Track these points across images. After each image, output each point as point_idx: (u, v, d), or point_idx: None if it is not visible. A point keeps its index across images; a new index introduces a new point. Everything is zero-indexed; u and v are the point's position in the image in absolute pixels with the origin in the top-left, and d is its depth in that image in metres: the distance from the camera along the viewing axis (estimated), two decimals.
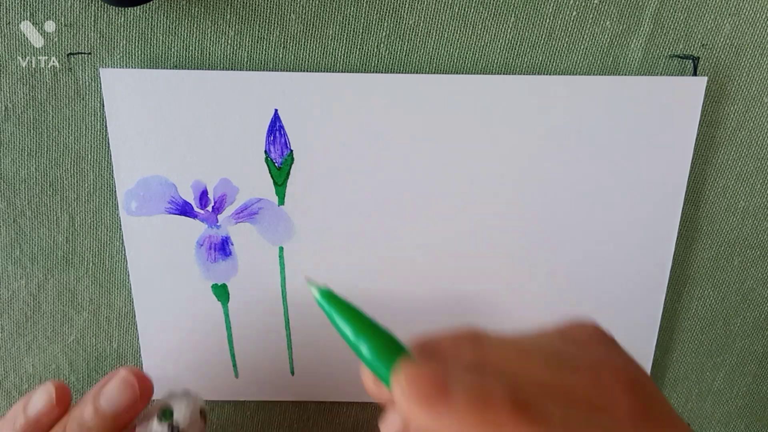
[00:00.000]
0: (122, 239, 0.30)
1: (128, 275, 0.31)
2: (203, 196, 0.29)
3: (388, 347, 0.20)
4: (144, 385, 0.27)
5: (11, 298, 0.31)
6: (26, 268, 0.31)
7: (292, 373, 0.32)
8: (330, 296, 0.22)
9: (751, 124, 0.29)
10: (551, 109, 0.28)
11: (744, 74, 0.28)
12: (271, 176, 0.29)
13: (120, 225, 0.30)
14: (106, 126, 0.28)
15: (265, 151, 0.28)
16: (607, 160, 0.29)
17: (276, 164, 0.28)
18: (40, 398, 0.26)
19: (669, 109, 0.28)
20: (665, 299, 0.32)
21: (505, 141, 0.28)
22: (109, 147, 0.28)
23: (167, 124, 0.28)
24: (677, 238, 0.30)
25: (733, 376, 0.34)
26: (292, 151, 0.28)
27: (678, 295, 0.32)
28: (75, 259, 0.30)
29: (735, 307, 0.33)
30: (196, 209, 0.29)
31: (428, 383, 0.19)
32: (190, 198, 0.29)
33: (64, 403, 0.26)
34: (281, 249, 0.30)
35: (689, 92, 0.28)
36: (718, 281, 0.32)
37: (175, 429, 0.27)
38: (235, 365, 0.32)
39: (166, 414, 0.28)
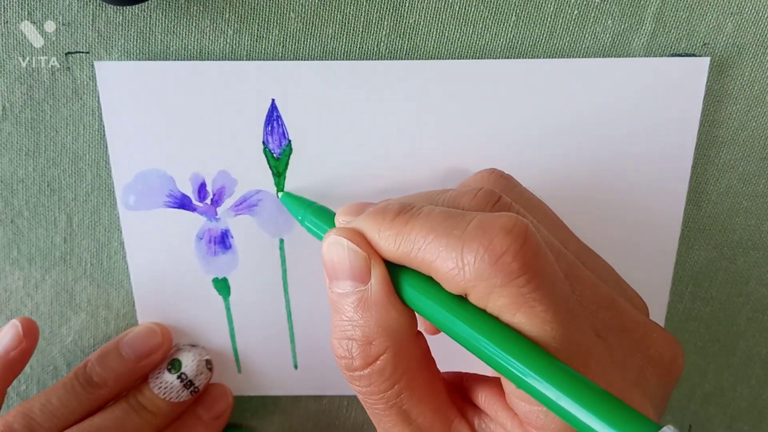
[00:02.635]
0: (120, 240, 0.30)
1: (127, 276, 0.30)
2: (202, 189, 0.29)
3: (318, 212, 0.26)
4: (165, 334, 0.30)
5: (8, 299, 0.31)
6: (24, 268, 0.30)
7: (296, 366, 0.32)
8: (290, 195, 0.28)
9: (754, 124, 0.29)
10: (551, 93, 0.27)
11: (746, 73, 0.28)
12: (270, 167, 0.28)
13: (118, 226, 0.30)
14: (103, 124, 0.28)
15: (263, 142, 0.28)
16: (608, 155, 0.29)
17: (274, 155, 0.28)
18: (8, 333, 0.28)
19: (672, 91, 0.28)
20: (668, 300, 0.31)
21: (505, 128, 0.28)
22: (106, 146, 0.28)
23: (163, 116, 0.28)
24: (679, 239, 0.30)
25: (736, 378, 0.34)
26: (290, 141, 0.28)
27: (680, 296, 0.32)
28: (73, 260, 0.30)
29: (738, 309, 0.33)
30: (195, 202, 0.29)
31: (354, 207, 0.23)
32: (189, 191, 0.29)
33: (31, 335, 0.28)
34: (281, 241, 0.30)
35: (692, 74, 0.27)
36: (721, 282, 0.32)
37: (184, 378, 0.29)
38: (237, 360, 0.32)
39: (175, 365, 0.30)
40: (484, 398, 0.22)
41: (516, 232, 0.18)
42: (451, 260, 0.18)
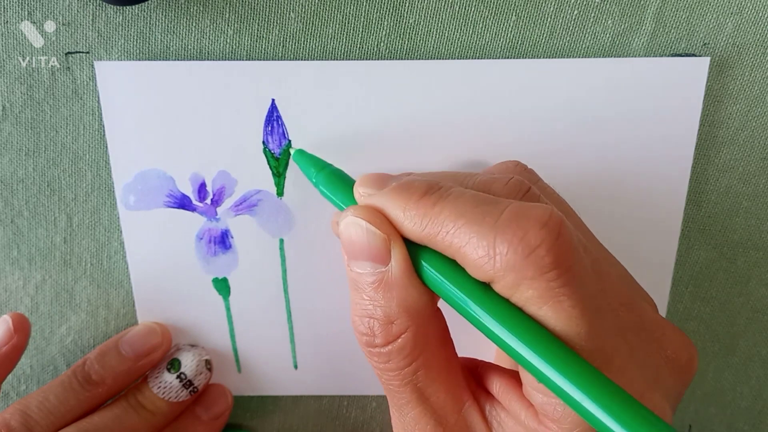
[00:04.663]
0: (120, 240, 0.30)
1: (127, 276, 0.30)
2: (202, 189, 0.29)
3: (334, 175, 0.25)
4: (165, 334, 0.30)
5: (9, 299, 0.31)
6: (24, 268, 0.30)
7: (296, 366, 0.32)
8: (303, 154, 0.27)
9: (754, 124, 0.29)
10: (551, 93, 0.27)
11: (746, 73, 0.28)
12: (270, 167, 0.28)
13: (118, 226, 0.30)
14: (103, 124, 0.28)
15: (263, 142, 0.28)
16: (608, 155, 0.29)
17: (274, 155, 0.28)
18: None
19: (672, 91, 0.28)
20: (668, 300, 0.31)
21: (505, 128, 0.28)
22: (106, 146, 0.28)
23: (163, 116, 0.27)
24: (679, 239, 0.30)
25: (736, 378, 0.34)
26: (290, 141, 0.28)
27: (681, 296, 0.32)
28: (73, 260, 0.30)
29: (738, 309, 0.33)
30: (195, 202, 0.29)
31: (374, 179, 0.22)
32: (189, 191, 0.29)
33: (22, 330, 0.28)
34: (281, 241, 0.30)
35: (692, 73, 0.27)
36: (721, 282, 0.32)
37: (183, 378, 0.29)
38: (237, 360, 0.32)
39: (174, 365, 0.30)
40: (498, 387, 0.21)
41: (551, 225, 0.18)
42: (482, 248, 0.18)
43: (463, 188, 0.20)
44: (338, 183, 0.24)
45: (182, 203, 0.29)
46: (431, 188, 0.20)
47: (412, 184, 0.20)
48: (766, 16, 0.27)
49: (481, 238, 0.18)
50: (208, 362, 0.31)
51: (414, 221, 0.20)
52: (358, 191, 0.22)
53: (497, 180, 0.21)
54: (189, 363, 0.30)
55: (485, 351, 0.22)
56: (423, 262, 0.20)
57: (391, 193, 0.20)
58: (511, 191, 0.21)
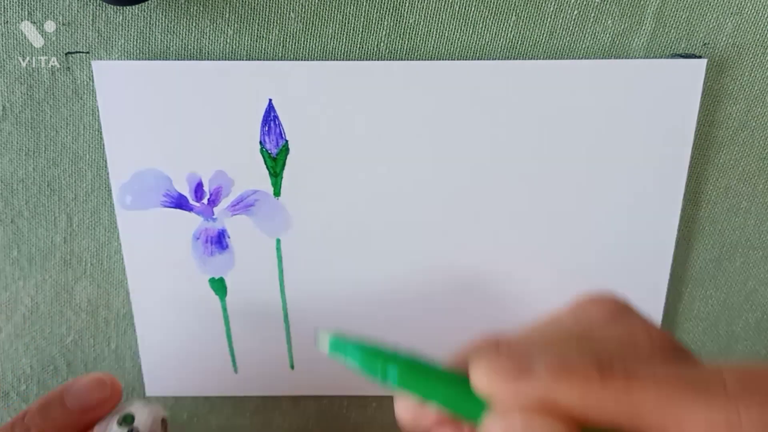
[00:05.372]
0: (120, 239, 0.30)
1: (126, 275, 0.30)
2: (198, 189, 0.29)
3: (419, 369, 0.18)
4: (115, 387, 0.27)
5: (9, 299, 0.31)
6: (24, 268, 0.30)
7: (292, 367, 0.32)
8: (340, 344, 0.20)
9: (754, 124, 0.29)
10: (550, 94, 0.28)
11: (746, 73, 0.28)
12: (267, 167, 0.28)
13: (118, 225, 0.30)
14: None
15: (260, 142, 0.28)
16: (606, 153, 0.29)
17: (271, 155, 0.28)
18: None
19: (669, 92, 0.28)
20: (666, 300, 0.31)
21: (505, 128, 0.28)
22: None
23: (161, 116, 0.28)
24: (678, 239, 0.30)
25: None
26: (287, 141, 0.28)
27: (679, 296, 0.32)
28: (73, 260, 0.30)
29: (737, 309, 0.33)
30: (192, 202, 0.29)
31: (509, 364, 0.17)
32: (186, 191, 0.29)
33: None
34: (278, 241, 0.30)
35: (689, 75, 0.27)
36: (720, 282, 0.32)
37: None
38: (234, 360, 0.32)
39: (126, 419, 0.27)
40: None
41: None
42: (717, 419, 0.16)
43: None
44: (421, 377, 0.18)
45: (179, 203, 0.29)
46: (601, 364, 0.17)
47: (572, 362, 0.18)
48: (766, 16, 0.27)
49: (709, 409, 0.16)
50: (164, 420, 0.28)
51: (605, 405, 0.17)
52: (492, 385, 0.18)
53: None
54: (144, 419, 0.27)
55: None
56: None
57: (557, 377, 0.17)
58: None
